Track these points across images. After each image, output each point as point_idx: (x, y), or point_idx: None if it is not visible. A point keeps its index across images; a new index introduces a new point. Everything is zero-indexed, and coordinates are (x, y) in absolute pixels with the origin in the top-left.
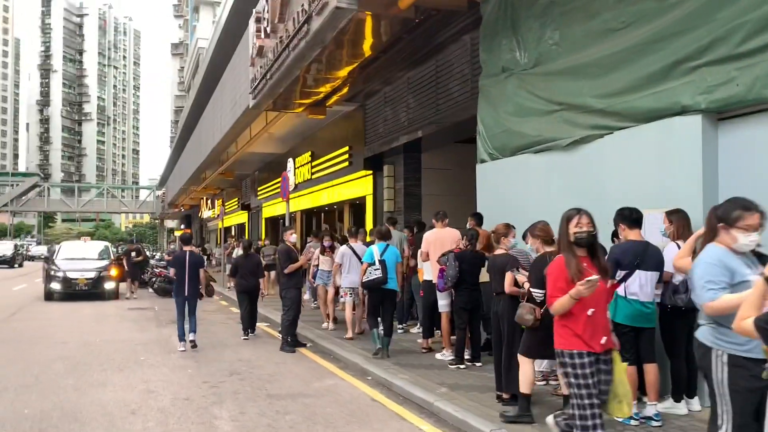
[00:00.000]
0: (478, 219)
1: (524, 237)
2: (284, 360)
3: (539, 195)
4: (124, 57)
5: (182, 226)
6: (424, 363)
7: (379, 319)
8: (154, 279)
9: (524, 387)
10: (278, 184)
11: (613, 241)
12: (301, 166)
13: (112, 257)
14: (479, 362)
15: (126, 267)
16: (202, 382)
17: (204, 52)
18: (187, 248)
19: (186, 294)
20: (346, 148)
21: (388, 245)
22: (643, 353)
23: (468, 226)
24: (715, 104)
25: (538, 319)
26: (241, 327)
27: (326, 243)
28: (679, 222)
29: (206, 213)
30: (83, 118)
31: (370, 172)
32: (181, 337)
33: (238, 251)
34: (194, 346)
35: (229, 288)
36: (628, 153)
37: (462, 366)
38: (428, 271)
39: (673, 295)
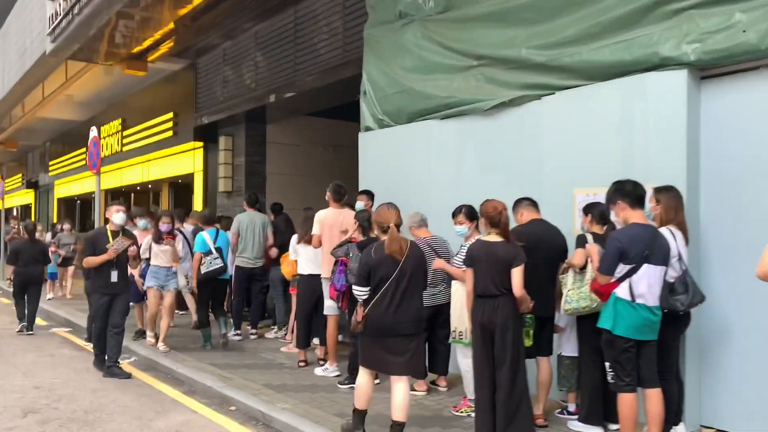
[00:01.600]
0: (371, 198)
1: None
2: (103, 385)
3: (447, 171)
4: None
5: None
6: (304, 383)
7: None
8: None
9: (357, 401)
10: (76, 158)
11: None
12: (108, 136)
13: None
14: (376, 379)
15: None
16: None
17: None
18: None
19: None
20: (170, 115)
21: (218, 230)
22: (646, 374)
23: (358, 206)
24: (710, 56)
25: (359, 322)
26: (18, 322)
27: (164, 227)
28: (668, 202)
29: None
30: None
31: (201, 144)
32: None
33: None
34: None
35: (9, 281)
36: (577, 118)
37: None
38: (310, 263)
39: (669, 295)
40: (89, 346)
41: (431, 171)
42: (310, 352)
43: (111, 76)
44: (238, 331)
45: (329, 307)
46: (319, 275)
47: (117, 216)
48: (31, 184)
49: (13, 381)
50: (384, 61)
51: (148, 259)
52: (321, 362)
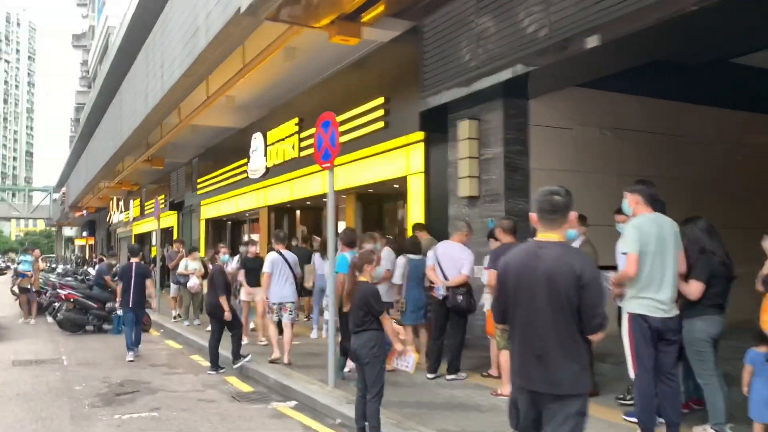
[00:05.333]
0: None
1: None
2: None
3: None
4: (17, 51)
5: (84, 234)
6: None
7: None
8: (56, 304)
9: None
10: (228, 174)
11: None
12: (279, 141)
13: None
14: None
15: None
16: None
17: (115, 31)
18: (134, 260)
19: (131, 305)
20: (380, 101)
21: None
22: None
23: None
24: None
25: None
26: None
27: None
28: None
29: (117, 217)
30: None
31: (422, 136)
32: (130, 347)
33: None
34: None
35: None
36: None
37: None
38: None
39: None
40: None
41: None
42: None
43: (292, 62)
44: None
45: None
46: None
47: None
48: (174, 206)
49: None
50: None
51: None
52: None
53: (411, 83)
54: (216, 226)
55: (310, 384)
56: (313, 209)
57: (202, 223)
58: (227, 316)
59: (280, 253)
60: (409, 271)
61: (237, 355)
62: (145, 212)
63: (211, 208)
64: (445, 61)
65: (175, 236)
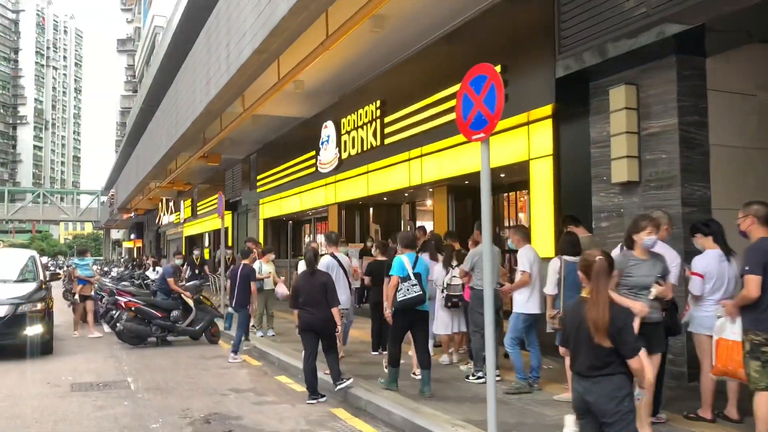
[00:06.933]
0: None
1: None
2: None
3: None
4: (65, 57)
5: (131, 237)
6: None
7: None
8: (114, 312)
9: None
10: (290, 170)
11: None
12: (355, 129)
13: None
14: None
15: None
16: None
17: (162, 31)
18: (244, 261)
19: (233, 305)
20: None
21: (418, 256)
22: None
23: None
24: None
25: None
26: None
27: None
28: None
29: (166, 218)
30: (18, 121)
31: (549, 110)
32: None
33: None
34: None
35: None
36: None
37: None
38: None
39: None
40: None
41: None
42: None
43: (378, 34)
44: None
45: None
46: None
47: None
48: (229, 206)
49: None
50: None
51: None
52: None
53: (537, 46)
54: (275, 226)
55: (455, 427)
56: (388, 206)
57: (261, 223)
58: (340, 330)
59: (335, 257)
60: (566, 276)
61: (338, 375)
62: (197, 212)
63: (271, 207)
64: (595, 11)
65: (230, 237)
